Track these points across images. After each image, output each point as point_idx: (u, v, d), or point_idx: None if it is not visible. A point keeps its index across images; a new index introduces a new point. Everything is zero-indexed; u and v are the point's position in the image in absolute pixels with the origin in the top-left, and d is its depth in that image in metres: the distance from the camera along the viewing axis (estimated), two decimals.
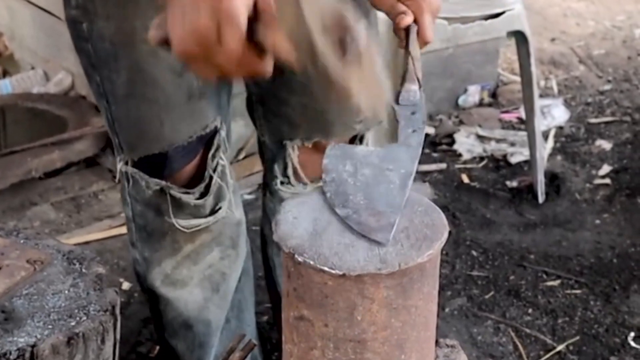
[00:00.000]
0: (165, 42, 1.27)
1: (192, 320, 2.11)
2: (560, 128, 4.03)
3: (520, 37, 3.30)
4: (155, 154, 1.83)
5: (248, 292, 2.29)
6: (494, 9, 3.26)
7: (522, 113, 3.94)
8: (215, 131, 1.86)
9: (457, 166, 3.69)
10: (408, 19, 1.53)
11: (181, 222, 1.92)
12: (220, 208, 1.94)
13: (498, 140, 3.88)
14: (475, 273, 3.02)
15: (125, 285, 2.88)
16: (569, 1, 5.64)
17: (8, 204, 3.31)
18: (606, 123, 4.10)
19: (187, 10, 1.20)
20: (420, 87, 1.44)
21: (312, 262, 1.14)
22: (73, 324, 1.46)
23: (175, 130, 1.80)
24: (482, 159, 3.76)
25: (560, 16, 5.40)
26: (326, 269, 1.14)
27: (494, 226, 3.28)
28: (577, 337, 2.73)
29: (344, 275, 1.14)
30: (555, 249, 3.14)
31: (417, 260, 1.15)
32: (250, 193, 3.44)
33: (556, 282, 2.97)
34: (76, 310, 1.50)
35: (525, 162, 3.66)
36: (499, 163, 3.72)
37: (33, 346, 1.40)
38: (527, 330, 2.75)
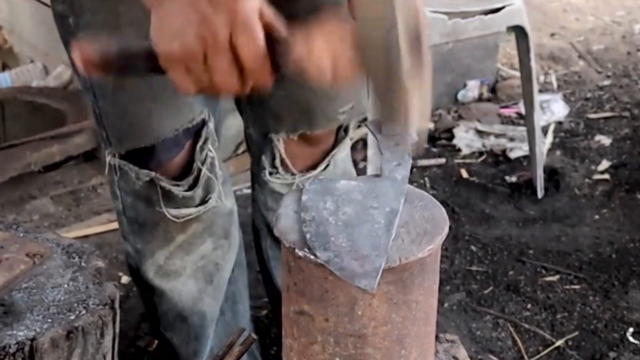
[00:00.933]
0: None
1: (187, 312, 2.10)
2: (560, 123, 4.03)
3: (520, 32, 3.30)
4: (142, 146, 1.83)
5: (242, 284, 2.29)
6: (494, 3, 3.25)
7: (521, 108, 3.94)
8: (203, 124, 1.85)
9: (456, 161, 3.69)
10: None
11: (172, 212, 1.91)
12: (210, 198, 1.94)
13: (497, 135, 3.88)
14: (474, 268, 3.02)
15: (125, 279, 2.88)
16: None
17: (7, 197, 3.31)
18: (605, 118, 4.10)
19: (184, 4, 1.19)
20: None
21: (312, 257, 1.14)
22: (72, 317, 1.46)
23: (162, 123, 1.80)
24: (481, 154, 3.76)
25: (559, 11, 5.40)
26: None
27: (493, 221, 3.28)
28: (576, 333, 2.73)
29: None
30: (554, 244, 3.14)
31: (417, 255, 1.14)
32: (249, 187, 3.43)
33: (555, 278, 2.97)
34: (75, 304, 1.50)
35: (525, 157, 3.66)
36: (498, 158, 3.72)
37: (32, 340, 1.39)
38: (526, 326, 2.75)
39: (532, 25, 3.55)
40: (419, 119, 1.22)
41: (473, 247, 3.12)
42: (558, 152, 3.78)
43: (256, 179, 2.13)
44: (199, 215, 1.95)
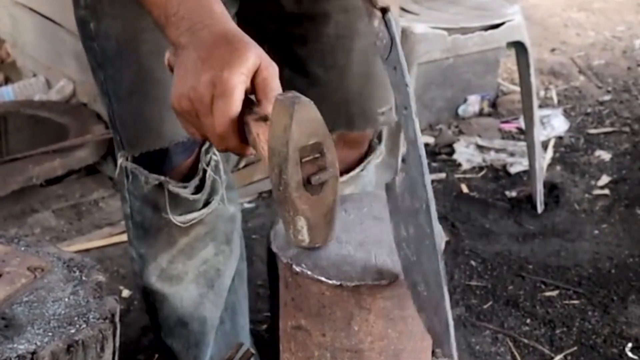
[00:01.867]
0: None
1: (188, 317, 2.12)
2: (560, 138, 4.04)
3: (520, 48, 3.31)
4: (155, 150, 1.86)
5: (242, 295, 2.30)
6: (494, 19, 3.27)
7: (521, 123, 3.95)
8: None
9: (456, 176, 3.70)
10: None
11: (178, 218, 1.95)
12: (213, 200, 1.96)
13: (497, 150, 3.89)
14: (473, 283, 3.02)
15: (125, 293, 2.89)
16: (569, 11, 5.66)
17: (9, 210, 3.33)
18: (605, 133, 4.11)
19: (190, 70, 1.29)
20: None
21: (310, 273, 1.16)
22: (73, 331, 1.47)
23: (175, 128, 1.83)
24: (481, 168, 3.77)
25: (560, 26, 5.41)
26: (324, 279, 1.15)
27: (493, 236, 3.29)
28: (575, 348, 2.74)
29: (341, 285, 1.15)
30: (554, 259, 3.15)
31: None
32: (250, 202, 3.45)
33: (554, 293, 2.97)
34: (76, 318, 1.51)
35: (525, 172, 3.67)
36: (498, 173, 3.73)
37: (33, 353, 1.40)
38: (525, 341, 2.76)
39: (533, 41, 3.57)
40: (308, 237, 1.23)
41: (473, 262, 3.13)
42: (558, 167, 3.79)
43: None
44: (202, 219, 1.98)
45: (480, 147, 3.91)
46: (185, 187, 1.91)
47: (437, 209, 3.33)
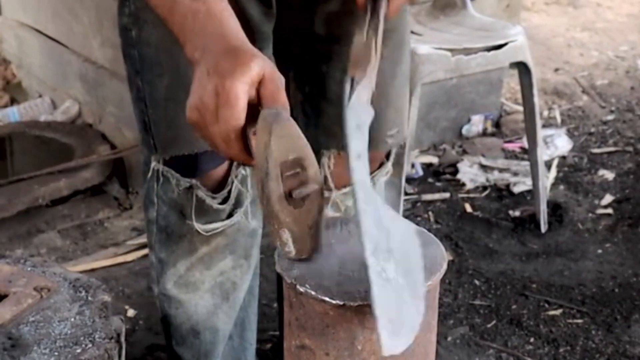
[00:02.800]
0: None
1: (200, 326, 2.15)
2: (563, 158, 4.05)
3: (522, 68, 3.32)
4: (184, 156, 1.90)
5: (252, 312, 2.32)
6: (497, 40, 3.28)
7: (525, 143, 3.95)
8: None
9: (460, 195, 3.71)
10: None
11: (201, 226, 1.98)
12: (236, 213, 2.00)
13: (501, 170, 3.90)
14: (477, 302, 3.03)
15: (131, 313, 2.90)
16: (572, 31, 5.68)
17: (15, 231, 3.34)
18: (609, 153, 4.12)
19: (199, 82, 1.34)
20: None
21: (313, 293, 1.17)
22: (79, 351, 1.48)
23: None
24: (485, 188, 3.78)
25: (564, 46, 5.43)
26: (327, 299, 1.17)
27: (497, 255, 3.29)
28: None
29: (344, 305, 1.16)
30: (558, 279, 3.15)
31: None
32: None
33: (558, 312, 2.98)
34: (82, 338, 1.52)
35: (528, 191, 3.68)
36: (502, 192, 3.74)
37: None
38: None
39: (536, 60, 3.59)
40: (294, 249, 1.28)
41: (476, 281, 3.14)
42: (562, 187, 3.80)
43: None
44: (223, 230, 2.01)
45: (484, 167, 3.92)
46: (214, 197, 1.94)
47: (441, 229, 3.34)
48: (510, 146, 4.14)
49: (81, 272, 2.90)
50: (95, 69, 3.69)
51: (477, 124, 4.22)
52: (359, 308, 1.16)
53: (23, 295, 1.61)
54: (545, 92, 4.70)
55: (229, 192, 1.96)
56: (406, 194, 3.58)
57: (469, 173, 3.87)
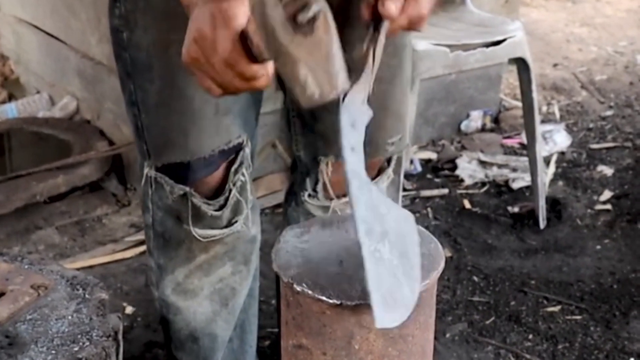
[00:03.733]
0: None
1: (199, 332, 2.14)
2: (562, 153, 4.05)
3: (521, 64, 3.32)
4: (178, 162, 1.88)
5: (252, 314, 2.32)
6: (496, 36, 3.28)
7: (524, 138, 3.96)
8: (240, 147, 1.90)
9: (458, 191, 3.71)
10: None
11: (198, 232, 1.96)
12: (236, 222, 1.98)
13: (500, 166, 3.90)
14: (476, 298, 3.03)
15: (129, 310, 2.90)
16: (571, 27, 5.68)
17: (13, 227, 3.34)
18: (608, 149, 4.12)
19: (196, 16, 1.34)
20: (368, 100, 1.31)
21: (310, 292, 1.16)
22: (76, 349, 1.48)
23: (199, 143, 1.86)
24: (483, 184, 3.78)
25: (562, 42, 5.43)
26: (324, 298, 1.16)
27: (495, 252, 3.29)
28: None
29: (341, 304, 1.16)
30: (556, 275, 3.15)
31: None
32: None
33: (557, 308, 2.98)
34: (79, 336, 1.52)
35: (527, 187, 3.68)
36: (500, 188, 3.74)
37: None
38: (528, 356, 2.76)
39: (535, 56, 3.58)
40: (316, 87, 1.20)
41: (475, 278, 3.13)
42: (560, 183, 3.80)
43: (294, 198, 2.17)
44: (222, 238, 1.99)
45: (482, 163, 3.92)
46: (209, 204, 1.92)
47: (439, 225, 3.33)
48: (509, 142, 4.14)
49: (79, 269, 2.91)
50: (93, 65, 3.68)
51: (475, 119, 4.22)
52: (356, 307, 1.16)
53: (20, 293, 1.61)
54: (544, 87, 4.70)
55: (226, 199, 1.94)
56: (405, 190, 3.58)
57: (468, 169, 3.87)
